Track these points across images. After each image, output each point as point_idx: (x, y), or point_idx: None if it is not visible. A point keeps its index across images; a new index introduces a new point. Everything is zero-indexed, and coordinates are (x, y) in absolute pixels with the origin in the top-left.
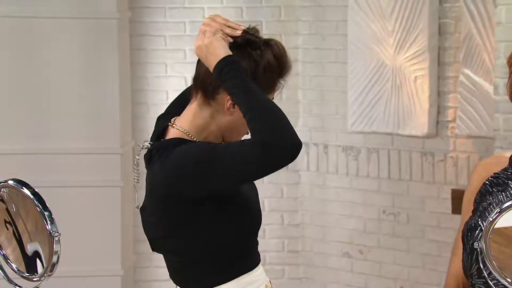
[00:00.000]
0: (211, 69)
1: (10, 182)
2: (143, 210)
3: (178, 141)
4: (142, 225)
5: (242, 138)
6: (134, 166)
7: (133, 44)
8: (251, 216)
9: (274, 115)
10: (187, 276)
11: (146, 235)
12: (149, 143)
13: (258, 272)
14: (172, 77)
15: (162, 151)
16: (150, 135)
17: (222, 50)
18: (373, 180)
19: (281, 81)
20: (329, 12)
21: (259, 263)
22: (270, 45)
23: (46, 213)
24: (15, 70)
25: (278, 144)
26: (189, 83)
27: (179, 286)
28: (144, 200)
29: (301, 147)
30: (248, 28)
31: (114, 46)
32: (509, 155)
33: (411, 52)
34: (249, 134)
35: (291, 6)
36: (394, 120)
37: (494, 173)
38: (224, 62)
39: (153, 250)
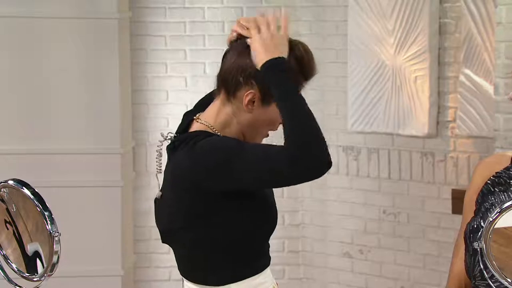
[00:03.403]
0: (262, 62)
1: (10, 182)
2: (158, 200)
3: (204, 133)
4: (155, 215)
5: (264, 139)
6: (157, 156)
7: (133, 44)
8: (268, 218)
9: (310, 130)
10: (197, 271)
11: (159, 226)
12: (174, 135)
13: (267, 273)
14: (172, 77)
15: (188, 141)
16: (150, 135)
17: (282, 49)
18: (374, 180)
19: (303, 83)
20: (330, 12)
21: (269, 264)
22: (292, 46)
23: (46, 213)
24: (15, 70)
25: (306, 160)
26: (189, 83)
27: (187, 279)
28: (161, 190)
29: (329, 167)
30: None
31: (115, 46)
32: (510, 154)
33: (411, 52)
34: (271, 135)
35: (292, 6)
36: (394, 120)
37: (496, 173)
38: (278, 61)
39: (163, 241)
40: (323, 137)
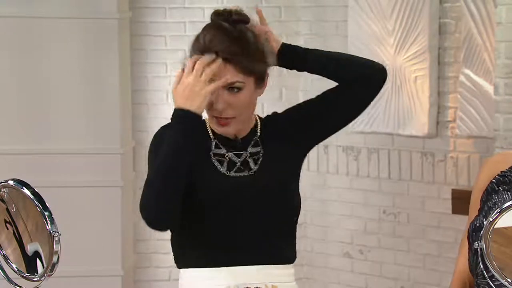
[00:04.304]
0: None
1: (10, 182)
2: None
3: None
4: None
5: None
6: None
7: (133, 44)
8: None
9: (149, 189)
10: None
11: None
12: None
13: (227, 273)
14: (172, 77)
15: None
16: (150, 135)
17: (191, 102)
18: (374, 180)
19: (195, 53)
20: (330, 12)
21: (233, 265)
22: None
23: (46, 213)
24: (15, 70)
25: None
26: None
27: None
28: None
29: (152, 224)
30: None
31: (115, 46)
32: None
33: (411, 52)
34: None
35: (292, 7)
36: (394, 120)
37: (501, 171)
38: (174, 113)
39: None
40: (159, 197)
